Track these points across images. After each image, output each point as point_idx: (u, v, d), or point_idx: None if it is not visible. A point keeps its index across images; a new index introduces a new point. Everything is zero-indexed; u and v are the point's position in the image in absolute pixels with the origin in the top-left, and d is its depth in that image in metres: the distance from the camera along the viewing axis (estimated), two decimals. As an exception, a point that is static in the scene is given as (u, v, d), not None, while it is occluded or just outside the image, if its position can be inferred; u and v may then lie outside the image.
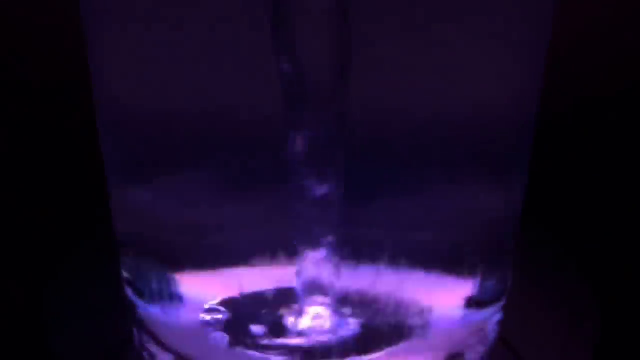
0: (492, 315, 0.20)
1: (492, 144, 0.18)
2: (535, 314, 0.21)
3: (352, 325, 0.20)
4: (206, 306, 0.20)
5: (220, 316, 0.20)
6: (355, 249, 0.19)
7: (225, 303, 0.20)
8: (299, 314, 0.20)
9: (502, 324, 0.20)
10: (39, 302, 0.22)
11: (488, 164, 0.19)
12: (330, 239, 0.19)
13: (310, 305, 0.20)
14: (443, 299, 0.19)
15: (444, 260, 0.19)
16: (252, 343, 0.20)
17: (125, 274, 0.21)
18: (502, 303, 0.20)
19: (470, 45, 0.16)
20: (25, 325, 0.22)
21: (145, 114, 0.18)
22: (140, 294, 0.21)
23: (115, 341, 0.22)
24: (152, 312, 0.21)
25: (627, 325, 0.20)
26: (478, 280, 0.19)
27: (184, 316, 0.21)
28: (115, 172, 0.20)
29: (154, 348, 0.21)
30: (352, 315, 0.19)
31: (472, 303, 0.20)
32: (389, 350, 0.19)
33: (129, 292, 0.21)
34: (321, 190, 0.18)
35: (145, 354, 0.21)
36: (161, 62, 0.17)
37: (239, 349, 0.20)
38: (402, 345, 0.19)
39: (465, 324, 0.20)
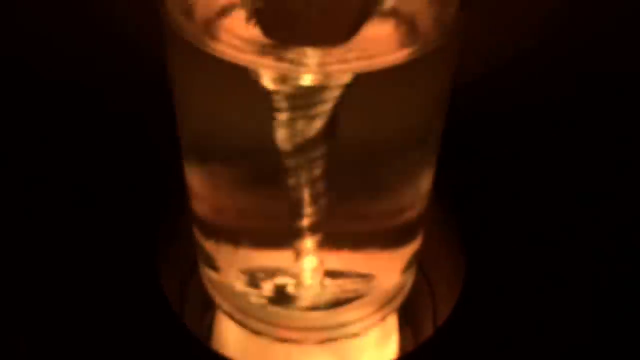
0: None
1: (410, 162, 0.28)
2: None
3: (328, 287, 0.31)
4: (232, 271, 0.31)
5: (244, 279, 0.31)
6: (333, 238, 0.29)
7: (246, 270, 0.31)
8: (297, 284, 0.31)
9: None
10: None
11: (408, 175, 0.28)
12: (316, 229, 0.28)
13: (303, 276, 0.31)
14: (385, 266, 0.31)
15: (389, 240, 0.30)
16: (266, 297, 0.31)
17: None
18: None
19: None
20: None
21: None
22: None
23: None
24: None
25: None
26: (406, 252, 0.31)
27: (222, 277, 0.32)
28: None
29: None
30: (327, 282, 0.30)
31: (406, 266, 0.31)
32: (352, 304, 0.31)
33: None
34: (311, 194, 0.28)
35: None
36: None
37: (257, 300, 0.31)
38: (357, 303, 0.31)
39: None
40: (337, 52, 0.23)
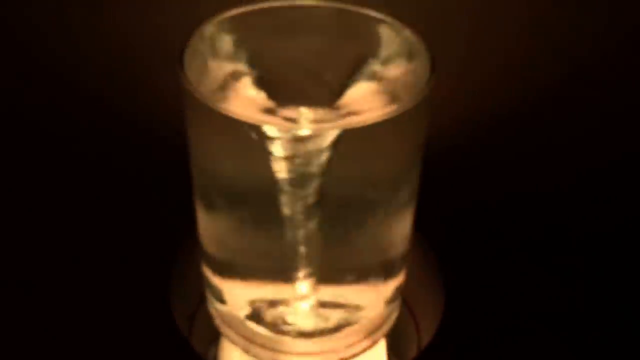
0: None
1: (392, 206, 0.32)
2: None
3: (322, 316, 0.34)
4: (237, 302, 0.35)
5: (248, 310, 0.35)
6: (325, 274, 0.33)
7: (249, 302, 0.35)
8: (294, 314, 0.35)
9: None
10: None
11: (391, 217, 0.32)
12: (310, 266, 0.33)
13: (297, 306, 0.34)
14: (373, 298, 0.35)
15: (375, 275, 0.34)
16: (267, 325, 0.35)
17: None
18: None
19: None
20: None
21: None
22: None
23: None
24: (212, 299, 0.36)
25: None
26: (391, 286, 0.35)
27: (227, 308, 0.35)
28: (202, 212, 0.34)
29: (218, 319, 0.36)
30: (321, 312, 0.34)
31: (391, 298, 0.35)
32: (343, 331, 0.35)
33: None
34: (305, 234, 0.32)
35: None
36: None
37: (258, 328, 0.35)
38: (348, 330, 0.35)
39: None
40: (327, 111, 0.28)
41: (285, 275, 0.33)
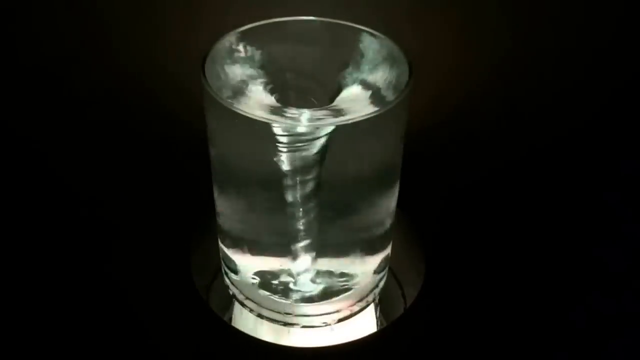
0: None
1: (378, 189, 0.37)
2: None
3: (318, 285, 0.39)
4: (248, 273, 0.40)
5: (257, 279, 0.40)
6: (323, 248, 0.38)
7: (259, 272, 0.40)
8: (296, 282, 0.40)
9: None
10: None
11: (378, 198, 0.37)
12: (310, 241, 0.38)
13: (299, 275, 0.39)
14: (364, 268, 0.40)
15: (365, 248, 0.39)
16: (274, 291, 0.40)
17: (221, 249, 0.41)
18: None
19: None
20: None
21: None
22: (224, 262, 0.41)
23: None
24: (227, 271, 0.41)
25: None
26: (379, 257, 0.40)
27: (240, 278, 0.41)
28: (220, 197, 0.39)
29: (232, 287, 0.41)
30: (319, 280, 0.39)
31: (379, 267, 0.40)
32: (339, 297, 0.40)
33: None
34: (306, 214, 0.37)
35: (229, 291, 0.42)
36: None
37: (266, 293, 0.40)
38: (343, 295, 0.40)
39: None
40: (323, 111, 0.33)
41: (289, 249, 0.38)
